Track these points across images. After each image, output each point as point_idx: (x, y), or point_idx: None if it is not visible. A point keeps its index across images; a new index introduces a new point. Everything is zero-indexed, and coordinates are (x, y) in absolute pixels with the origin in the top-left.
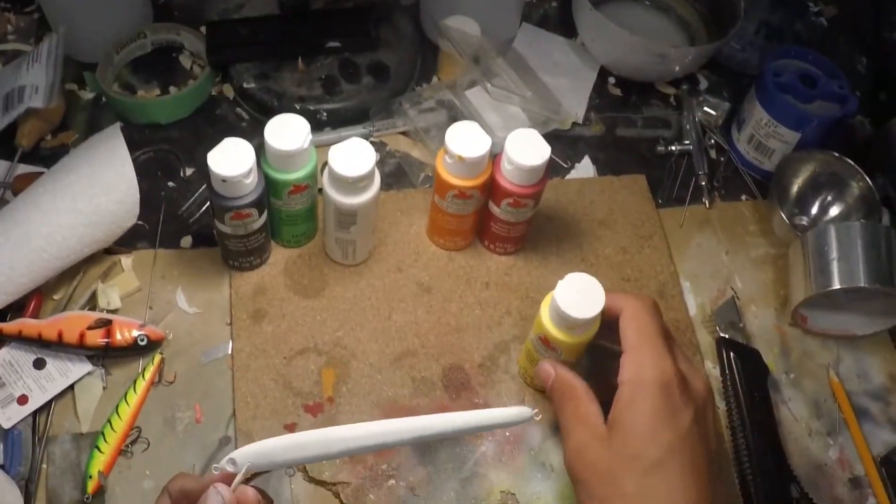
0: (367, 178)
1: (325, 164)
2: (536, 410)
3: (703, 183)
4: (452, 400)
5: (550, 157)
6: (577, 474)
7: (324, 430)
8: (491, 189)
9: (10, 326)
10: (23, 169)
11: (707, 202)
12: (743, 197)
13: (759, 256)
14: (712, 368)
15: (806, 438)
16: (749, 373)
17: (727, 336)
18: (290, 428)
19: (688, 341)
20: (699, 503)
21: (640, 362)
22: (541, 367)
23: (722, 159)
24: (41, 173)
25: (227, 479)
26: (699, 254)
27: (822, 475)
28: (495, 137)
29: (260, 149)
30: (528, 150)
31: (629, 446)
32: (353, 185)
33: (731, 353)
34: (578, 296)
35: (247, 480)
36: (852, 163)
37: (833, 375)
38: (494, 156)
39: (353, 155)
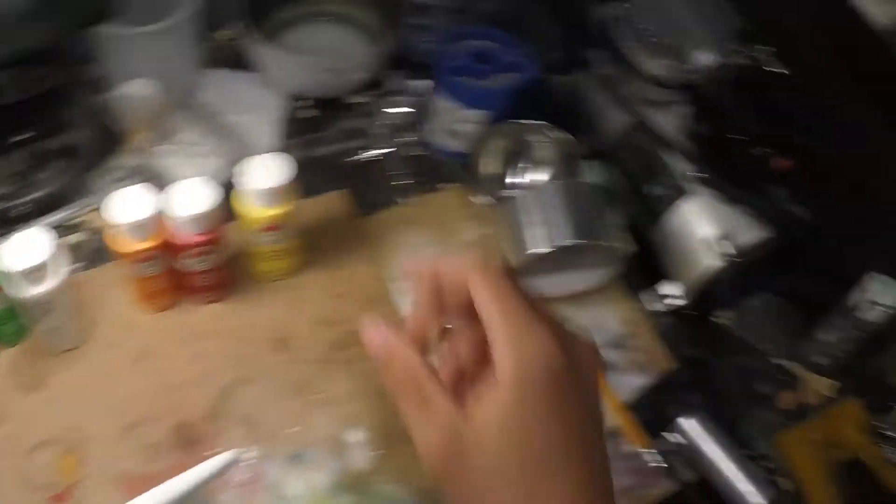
0: (46, 265)
1: None
2: (243, 450)
3: (403, 182)
4: (188, 456)
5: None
6: (440, 481)
7: None
8: (171, 244)
9: None
10: None
11: (409, 200)
12: (445, 185)
13: (470, 239)
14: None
15: None
16: None
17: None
18: None
19: None
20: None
21: (521, 352)
22: (368, 335)
23: (419, 154)
24: None
25: None
26: (408, 252)
27: None
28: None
29: None
30: (192, 199)
31: (514, 455)
32: (32, 275)
33: None
34: (263, 170)
35: None
36: (544, 124)
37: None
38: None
39: (27, 247)
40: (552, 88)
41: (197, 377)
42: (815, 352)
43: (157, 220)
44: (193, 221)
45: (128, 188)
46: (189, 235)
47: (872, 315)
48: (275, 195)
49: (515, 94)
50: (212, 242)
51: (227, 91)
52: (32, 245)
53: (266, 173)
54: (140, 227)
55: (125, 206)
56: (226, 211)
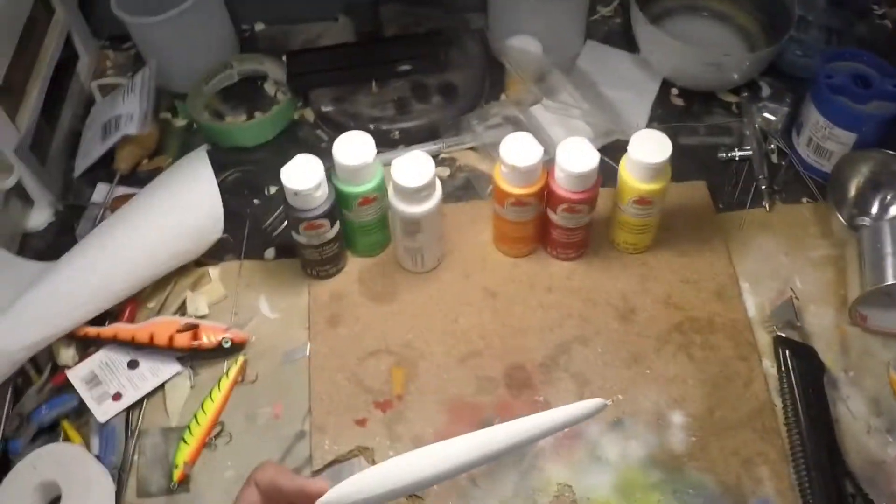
0: (428, 188)
1: None
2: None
3: (764, 187)
4: (514, 397)
5: (605, 163)
6: None
7: (414, 455)
8: (547, 196)
9: (107, 331)
10: (121, 191)
11: (767, 206)
12: (803, 199)
13: (818, 257)
14: (770, 367)
15: (864, 436)
16: (805, 370)
17: (784, 335)
18: (362, 423)
19: (745, 341)
20: None
21: None
22: None
23: (783, 163)
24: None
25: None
26: (759, 256)
27: (880, 472)
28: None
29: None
30: (578, 157)
31: None
32: (415, 194)
33: (787, 351)
34: (651, 144)
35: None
36: None
37: (894, 373)
38: (549, 166)
39: (414, 167)
40: None
41: (539, 326)
42: None
43: (543, 171)
44: (576, 178)
45: (520, 135)
46: (568, 191)
47: None
48: (656, 171)
49: (890, 123)
50: (586, 202)
51: (606, 65)
52: (418, 167)
53: (650, 149)
54: (527, 174)
55: (517, 151)
56: (600, 177)
